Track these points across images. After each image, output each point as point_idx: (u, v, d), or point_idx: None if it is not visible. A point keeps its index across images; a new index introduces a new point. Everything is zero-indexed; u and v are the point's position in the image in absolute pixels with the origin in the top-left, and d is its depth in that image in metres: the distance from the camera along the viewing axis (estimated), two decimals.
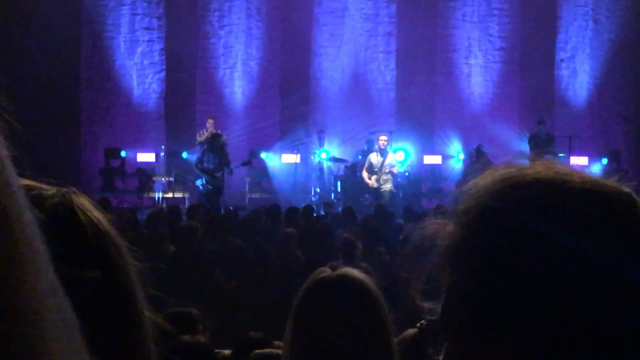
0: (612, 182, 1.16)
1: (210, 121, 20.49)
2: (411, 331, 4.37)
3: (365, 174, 18.90)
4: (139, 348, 1.33)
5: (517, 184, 1.15)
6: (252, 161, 21.07)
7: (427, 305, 1.22)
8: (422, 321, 1.22)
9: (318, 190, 20.73)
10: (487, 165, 1.22)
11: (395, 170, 18.89)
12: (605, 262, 1.08)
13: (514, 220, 1.11)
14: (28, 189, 1.27)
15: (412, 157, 21.06)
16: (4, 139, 0.84)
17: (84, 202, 1.34)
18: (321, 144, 21.52)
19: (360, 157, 20.41)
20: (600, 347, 1.08)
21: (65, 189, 1.34)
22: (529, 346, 1.09)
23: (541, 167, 1.17)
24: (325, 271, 2.68)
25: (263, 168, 21.98)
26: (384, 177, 18.70)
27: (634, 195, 1.15)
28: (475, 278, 1.12)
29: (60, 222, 1.25)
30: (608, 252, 1.08)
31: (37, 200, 1.25)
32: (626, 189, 1.15)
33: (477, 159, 19.91)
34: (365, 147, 20.26)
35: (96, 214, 1.34)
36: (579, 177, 1.15)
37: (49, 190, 1.32)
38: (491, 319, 1.11)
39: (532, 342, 1.09)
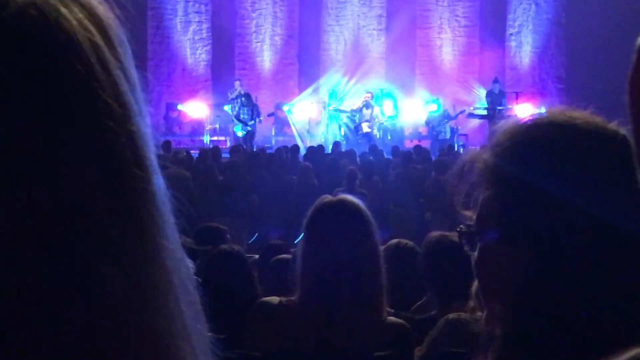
0: (612, 125, 1.13)
1: (237, 82, 20.46)
2: (394, 241, 4.38)
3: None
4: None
5: (538, 124, 1.13)
6: (275, 113, 21.01)
7: (466, 213, 1.19)
8: (461, 226, 1.19)
9: (327, 134, 20.66)
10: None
11: (383, 119, 19.30)
12: (605, 187, 1.06)
13: (533, 153, 1.09)
14: None
15: (400, 104, 21.11)
16: None
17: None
18: (329, 99, 21.38)
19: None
20: (613, 259, 1.04)
21: None
22: (543, 252, 1.05)
23: (556, 113, 1.15)
24: (328, 197, 2.67)
25: (285, 118, 21.89)
26: (375, 125, 19.02)
27: (628, 136, 1.10)
28: (504, 195, 1.10)
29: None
30: (605, 180, 1.07)
31: None
32: (622, 131, 1.11)
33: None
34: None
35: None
36: (584, 121, 1.12)
37: None
38: (515, 228, 1.08)
39: (545, 250, 1.05)
